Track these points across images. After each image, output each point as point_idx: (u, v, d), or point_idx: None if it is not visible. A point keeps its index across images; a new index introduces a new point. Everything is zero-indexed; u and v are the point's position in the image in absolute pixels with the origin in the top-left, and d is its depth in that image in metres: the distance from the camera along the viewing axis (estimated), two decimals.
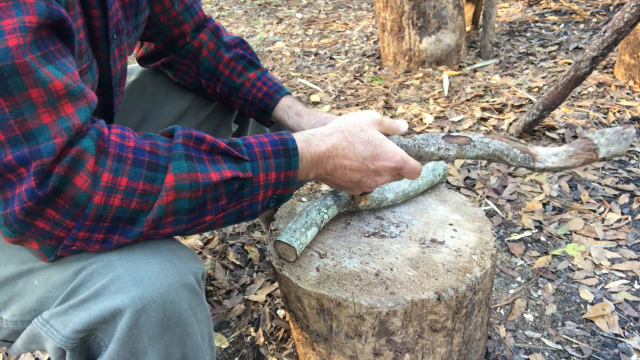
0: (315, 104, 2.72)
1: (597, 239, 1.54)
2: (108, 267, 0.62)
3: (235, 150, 0.68)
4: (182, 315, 0.63)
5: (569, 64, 2.76)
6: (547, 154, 0.86)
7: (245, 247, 1.64)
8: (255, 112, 1.10)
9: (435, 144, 0.85)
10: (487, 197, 1.78)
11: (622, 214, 1.64)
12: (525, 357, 1.19)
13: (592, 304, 1.32)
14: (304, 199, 1.10)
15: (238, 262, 1.58)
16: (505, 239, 1.58)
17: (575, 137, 2.08)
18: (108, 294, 0.60)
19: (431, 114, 2.41)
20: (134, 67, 1.17)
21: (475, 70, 2.88)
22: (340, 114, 1.06)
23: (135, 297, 0.59)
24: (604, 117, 2.19)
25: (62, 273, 0.64)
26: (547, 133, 2.11)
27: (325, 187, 1.14)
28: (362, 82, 2.93)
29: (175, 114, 1.13)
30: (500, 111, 2.37)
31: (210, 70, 1.09)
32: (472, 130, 2.24)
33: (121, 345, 0.60)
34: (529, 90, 2.53)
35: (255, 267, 1.56)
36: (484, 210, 1.72)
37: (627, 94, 2.39)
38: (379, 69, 3.09)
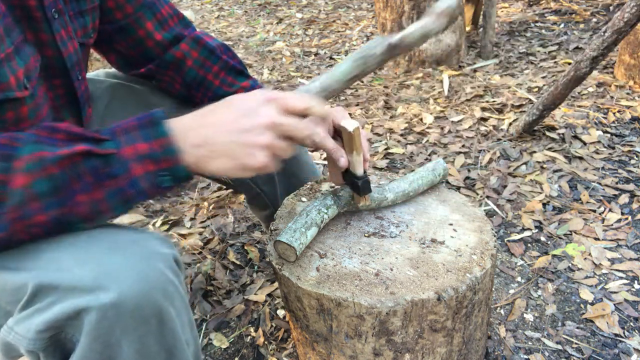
0: None
1: (597, 239, 1.54)
2: (64, 270, 0.61)
3: (94, 133, 0.65)
4: (156, 306, 0.61)
5: (569, 64, 2.76)
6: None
7: (245, 247, 1.64)
8: None
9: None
10: (487, 197, 1.78)
11: (622, 214, 1.64)
12: (525, 357, 1.19)
13: (592, 304, 1.32)
14: (303, 199, 1.10)
15: (238, 262, 1.58)
16: (505, 239, 1.58)
17: (575, 137, 2.08)
18: (70, 297, 0.59)
19: (431, 114, 2.41)
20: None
21: (475, 70, 2.88)
22: None
23: (102, 296, 0.58)
24: (604, 117, 2.19)
25: (17, 278, 0.63)
26: (547, 133, 2.11)
27: (325, 187, 1.14)
28: (362, 82, 2.93)
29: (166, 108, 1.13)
30: (500, 111, 2.37)
31: (198, 80, 1.07)
32: (471, 130, 2.24)
33: (92, 338, 0.59)
34: (529, 90, 2.53)
35: (255, 267, 1.56)
36: (484, 210, 1.72)
37: (627, 94, 2.39)
38: (379, 68, 3.09)
